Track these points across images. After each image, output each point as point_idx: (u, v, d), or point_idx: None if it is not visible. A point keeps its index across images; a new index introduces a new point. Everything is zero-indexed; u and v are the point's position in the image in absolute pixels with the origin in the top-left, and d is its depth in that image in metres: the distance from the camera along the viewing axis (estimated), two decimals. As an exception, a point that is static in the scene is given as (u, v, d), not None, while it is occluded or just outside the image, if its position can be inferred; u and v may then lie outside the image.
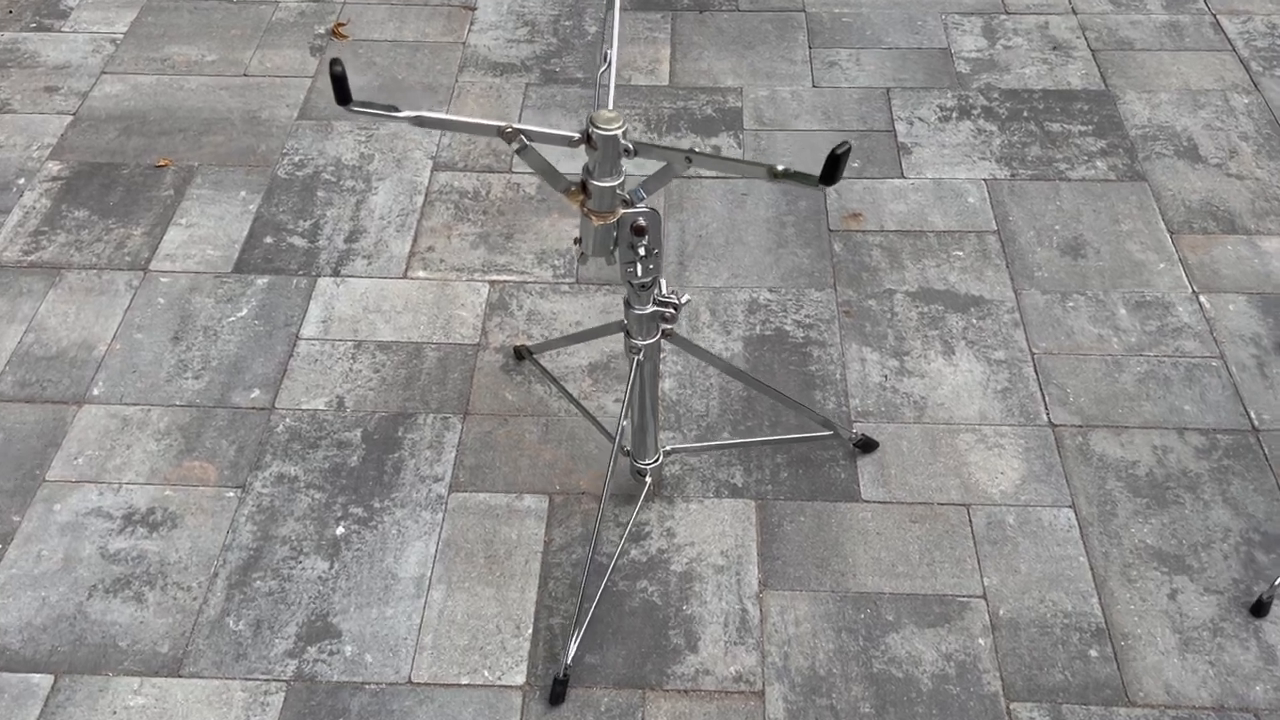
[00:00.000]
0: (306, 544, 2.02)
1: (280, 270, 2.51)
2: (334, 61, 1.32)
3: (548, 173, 1.53)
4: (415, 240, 2.58)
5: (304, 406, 2.23)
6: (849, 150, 1.27)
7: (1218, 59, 3.05)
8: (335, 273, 2.50)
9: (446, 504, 2.07)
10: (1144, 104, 2.91)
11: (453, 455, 2.15)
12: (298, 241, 2.57)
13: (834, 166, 1.28)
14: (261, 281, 2.48)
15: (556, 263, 2.53)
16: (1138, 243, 2.54)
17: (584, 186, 1.56)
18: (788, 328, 2.38)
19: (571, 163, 1.75)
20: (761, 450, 2.15)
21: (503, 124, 1.42)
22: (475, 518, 2.05)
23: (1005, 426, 2.19)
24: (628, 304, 1.75)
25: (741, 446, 2.14)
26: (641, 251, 1.62)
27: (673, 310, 1.74)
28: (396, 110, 1.38)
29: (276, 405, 2.24)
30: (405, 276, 2.50)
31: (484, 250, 2.56)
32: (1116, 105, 2.90)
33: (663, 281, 1.73)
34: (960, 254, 2.53)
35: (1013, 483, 2.09)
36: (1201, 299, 2.41)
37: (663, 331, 1.80)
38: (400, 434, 2.19)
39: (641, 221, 1.60)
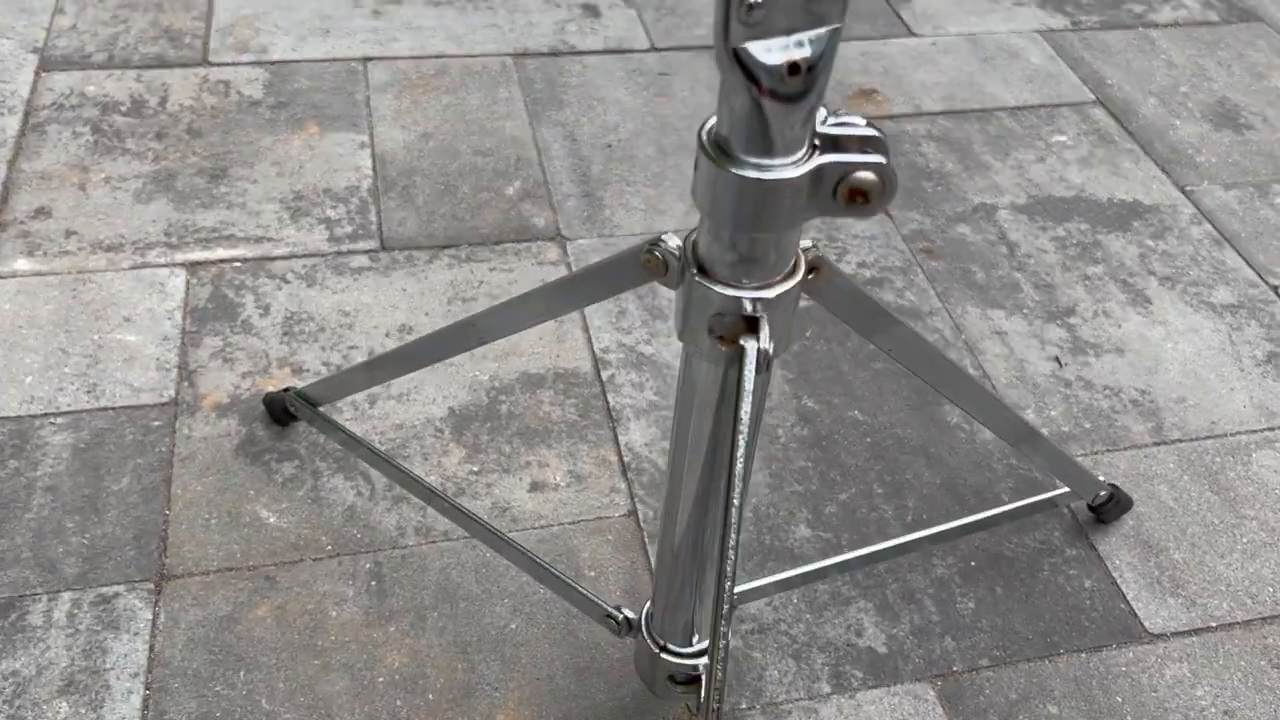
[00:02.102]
0: None
1: None
2: None
3: None
4: (4, 199, 1.19)
5: None
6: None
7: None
8: None
9: None
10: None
11: (136, 703, 0.79)
12: None
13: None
14: None
15: (333, 212, 1.21)
16: (1309, 102, 1.55)
17: None
18: (833, 290, 1.18)
19: None
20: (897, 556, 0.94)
21: None
22: None
23: (1317, 426, 1.09)
24: (717, 144, 0.49)
25: (870, 561, 0.90)
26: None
27: (876, 164, 0.50)
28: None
29: None
30: (-17, 273, 1.11)
31: (167, 204, 1.20)
32: (1157, -69, 1.93)
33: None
34: (1064, 139, 1.44)
35: (1406, 540, 0.99)
36: None
37: (808, 266, 0.56)
38: (-23, 664, 0.81)
39: None
